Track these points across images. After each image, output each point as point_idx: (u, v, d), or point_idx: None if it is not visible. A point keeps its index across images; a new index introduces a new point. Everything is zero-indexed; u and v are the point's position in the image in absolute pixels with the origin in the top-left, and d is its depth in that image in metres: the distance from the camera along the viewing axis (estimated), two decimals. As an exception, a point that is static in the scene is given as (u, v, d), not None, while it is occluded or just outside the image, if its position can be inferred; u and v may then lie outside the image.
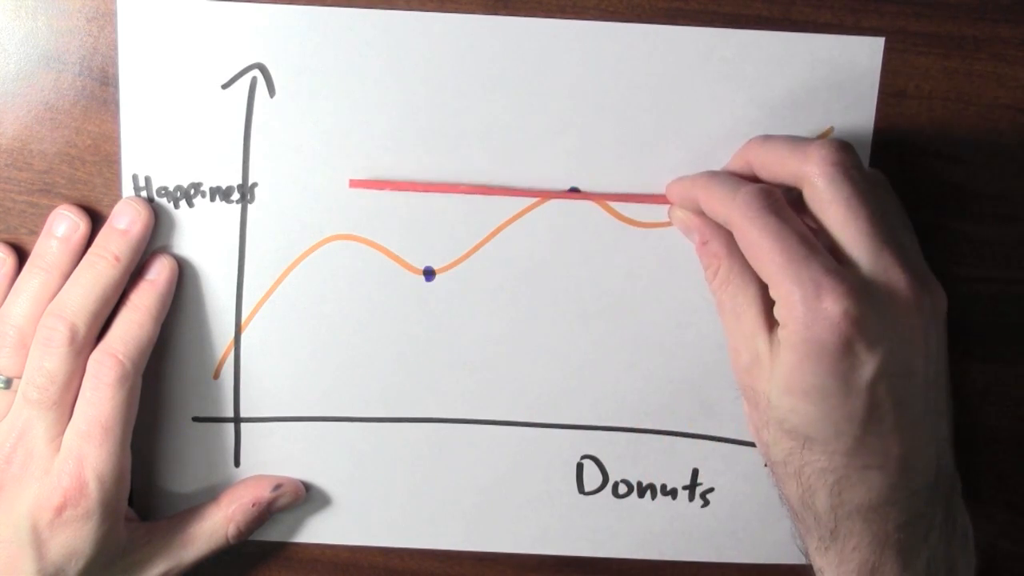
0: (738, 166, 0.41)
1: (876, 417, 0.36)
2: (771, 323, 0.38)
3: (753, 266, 0.38)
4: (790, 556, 0.46)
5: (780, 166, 0.39)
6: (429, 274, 0.44)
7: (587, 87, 0.42)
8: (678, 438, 0.45)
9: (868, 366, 0.36)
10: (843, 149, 0.37)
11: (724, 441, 0.45)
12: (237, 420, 0.45)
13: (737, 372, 0.39)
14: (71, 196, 0.43)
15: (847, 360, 0.35)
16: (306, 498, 0.45)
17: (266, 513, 0.44)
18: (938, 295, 0.38)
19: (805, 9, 0.42)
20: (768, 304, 0.38)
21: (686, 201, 0.42)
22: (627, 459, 0.46)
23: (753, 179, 0.40)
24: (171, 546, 0.43)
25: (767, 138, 0.40)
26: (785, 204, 0.37)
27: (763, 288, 0.38)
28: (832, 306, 0.35)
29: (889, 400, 0.36)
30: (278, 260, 0.43)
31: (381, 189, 0.42)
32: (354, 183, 0.42)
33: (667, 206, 0.43)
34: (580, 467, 0.46)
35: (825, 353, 0.35)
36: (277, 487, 0.44)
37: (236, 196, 0.43)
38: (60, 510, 0.39)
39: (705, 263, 0.41)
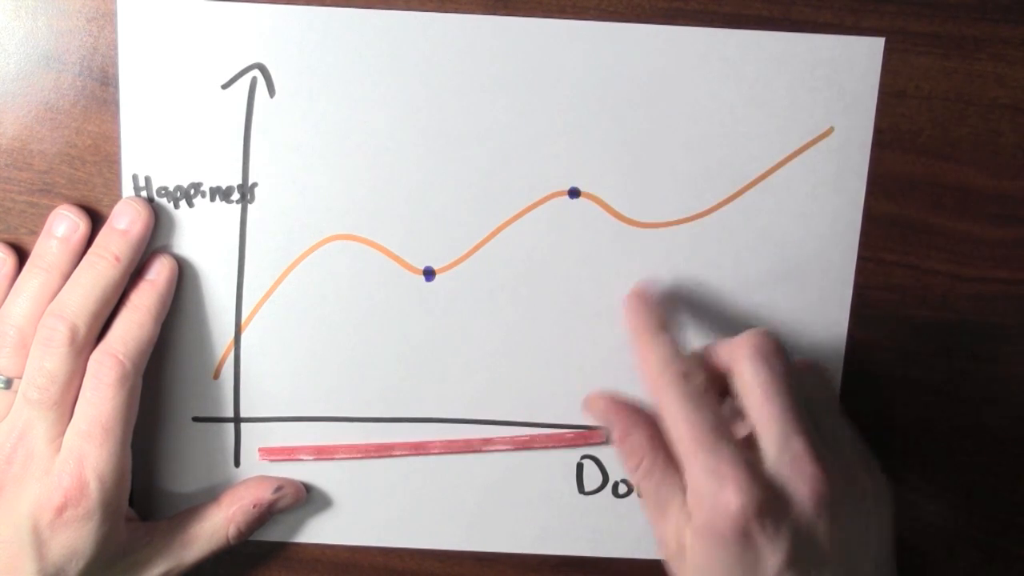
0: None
1: None
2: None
3: (671, 445, 0.38)
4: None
5: (713, 360, 0.40)
6: (429, 274, 0.44)
7: (587, 87, 0.42)
8: (678, 438, 0.45)
9: (773, 558, 0.36)
10: (768, 337, 0.38)
11: (724, 441, 0.45)
12: (237, 420, 0.45)
13: (667, 562, 0.39)
14: (71, 196, 0.43)
15: (750, 552, 0.36)
16: (307, 499, 0.45)
17: (267, 514, 0.44)
18: (866, 482, 0.38)
19: (805, 9, 0.42)
20: None
21: (628, 329, 0.42)
22: (627, 459, 0.46)
23: None
24: (171, 546, 0.43)
25: (705, 345, 0.41)
26: (705, 389, 0.38)
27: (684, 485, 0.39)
28: (732, 498, 0.35)
29: None
30: (278, 260, 0.43)
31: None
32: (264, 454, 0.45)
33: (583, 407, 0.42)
34: (580, 467, 0.46)
35: (728, 545, 0.36)
36: (278, 488, 0.44)
37: (236, 196, 0.43)
38: (61, 510, 0.39)
39: (626, 455, 0.40)
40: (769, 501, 0.36)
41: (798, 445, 0.37)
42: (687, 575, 0.38)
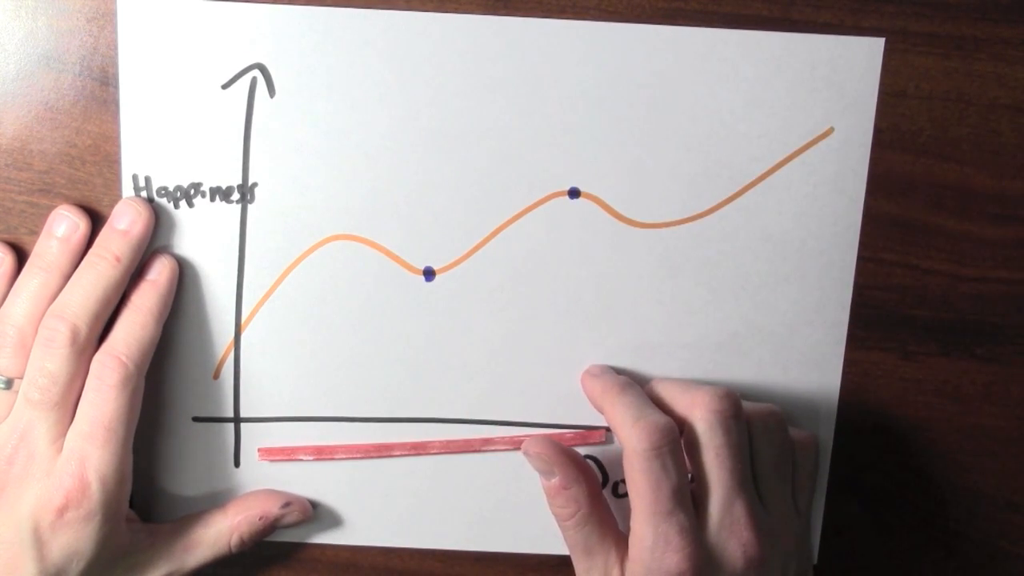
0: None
1: None
2: (622, 557, 0.41)
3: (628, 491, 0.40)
4: (790, 556, 0.46)
5: (671, 405, 0.42)
6: (429, 274, 0.44)
7: (587, 87, 0.42)
8: (678, 438, 0.45)
9: None
10: (726, 398, 0.40)
11: (724, 441, 0.45)
12: (237, 420, 0.45)
13: None
14: (71, 196, 0.43)
15: None
16: (313, 516, 0.45)
17: (271, 528, 0.44)
18: (789, 538, 0.41)
19: (805, 9, 0.42)
20: (622, 542, 0.41)
21: (593, 398, 0.43)
22: (627, 459, 0.46)
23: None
24: (173, 550, 0.43)
25: (665, 380, 0.43)
26: (671, 450, 0.39)
27: (618, 535, 0.41)
28: (672, 565, 0.38)
29: None
30: (278, 260, 0.43)
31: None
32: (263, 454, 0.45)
33: (526, 438, 0.43)
34: (580, 467, 0.46)
35: None
36: (286, 504, 0.44)
37: (236, 196, 0.43)
38: (62, 511, 0.39)
39: (560, 503, 0.41)
40: (706, 565, 0.39)
41: (739, 510, 0.39)
42: None
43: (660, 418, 0.40)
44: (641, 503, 0.39)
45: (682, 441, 0.41)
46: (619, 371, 0.44)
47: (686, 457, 0.40)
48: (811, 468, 0.44)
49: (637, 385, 0.43)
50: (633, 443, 0.39)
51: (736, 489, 0.40)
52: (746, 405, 0.41)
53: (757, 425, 0.41)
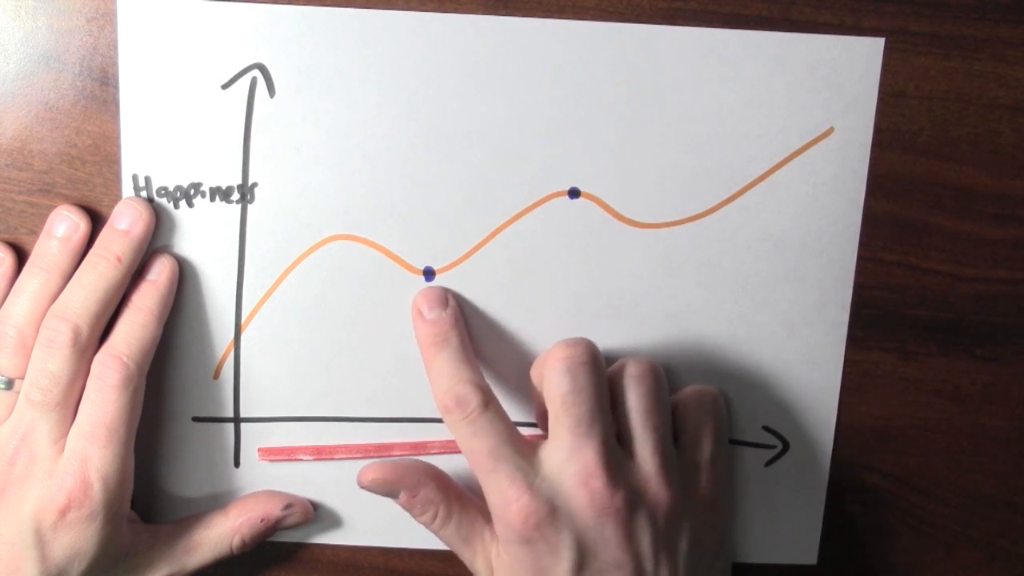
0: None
1: None
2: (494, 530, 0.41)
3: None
4: (790, 556, 0.46)
5: (536, 373, 0.42)
6: (429, 274, 0.44)
7: (587, 87, 0.42)
8: (678, 438, 0.45)
9: (560, 567, 0.39)
10: (575, 346, 0.40)
11: (724, 441, 0.45)
12: (237, 420, 0.45)
13: None
14: (71, 196, 0.43)
15: (541, 562, 0.39)
16: (314, 518, 0.45)
17: (273, 529, 0.44)
18: (661, 496, 0.40)
19: (805, 9, 0.42)
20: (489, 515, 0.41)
21: (420, 346, 0.43)
22: (627, 459, 0.46)
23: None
24: (175, 551, 0.43)
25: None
26: (480, 413, 0.39)
27: (483, 510, 0.41)
28: (513, 516, 0.39)
29: None
30: (278, 260, 0.43)
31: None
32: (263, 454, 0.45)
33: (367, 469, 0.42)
34: (580, 467, 0.46)
35: (521, 556, 0.39)
36: (288, 506, 0.44)
37: (236, 196, 0.43)
38: (64, 511, 0.39)
39: (419, 511, 0.42)
40: (547, 514, 0.38)
41: (586, 457, 0.39)
42: None
43: (465, 388, 0.40)
44: (471, 468, 0.40)
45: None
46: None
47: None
48: (698, 419, 0.43)
49: (462, 337, 0.42)
50: (446, 417, 0.40)
51: (583, 436, 0.39)
52: (618, 362, 0.42)
53: (624, 378, 0.41)
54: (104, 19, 0.41)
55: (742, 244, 0.44)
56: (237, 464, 0.45)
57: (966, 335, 0.45)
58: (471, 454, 0.40)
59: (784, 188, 0.43)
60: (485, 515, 0.41)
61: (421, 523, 0.42)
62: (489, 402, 0.40)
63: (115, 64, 0.42)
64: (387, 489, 0.42)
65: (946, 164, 0.44)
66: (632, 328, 0.44)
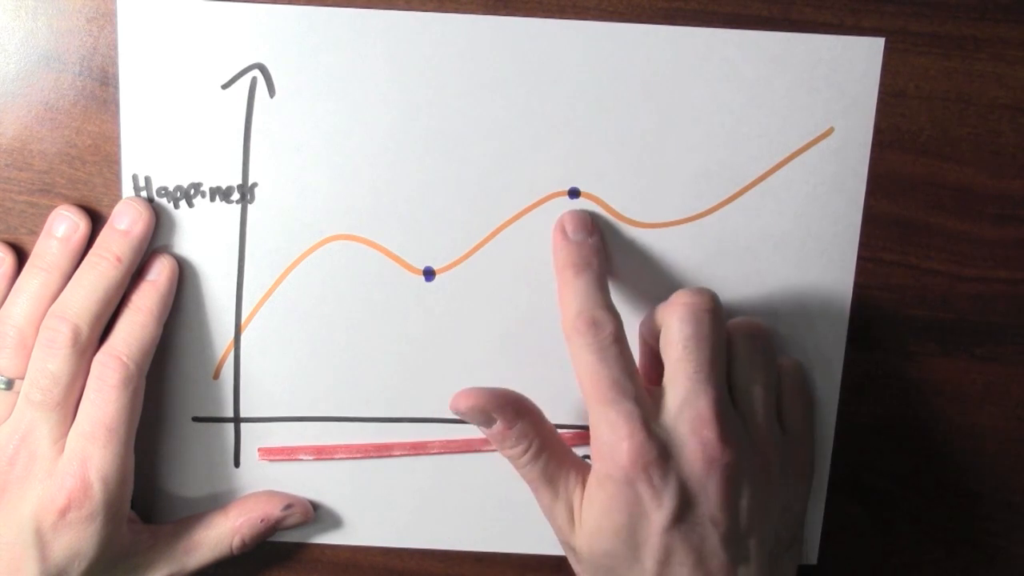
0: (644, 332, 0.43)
1: (669, 563, 0.38)
2: (583, 477, 0.39)
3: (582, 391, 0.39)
4: (790, 556, 0.46)
5: (651, 319, 0.41)
6: (429, 274, 0.44)
7: (587, 87, 0.42)
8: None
9: (658, 513, 0.37)
10: (700, 293, 0.39)
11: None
12: (237, 420, 0.45)
13: (557, 532, 0.41)
14: (71, 196, 0.43)
15: (639, 506, 0.37)
16: (314, 518, 0.45)
17: (273, 530, 0.44)
18: (771, 455, 0.39)
19: (805, 9, 0.42)
20: (581, 465, 0.40)
21: (555, 265, 0.42)
22: (627, 459, 0.46)
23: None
24: (175, 551, 0.43)
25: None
26: (614, 340, 0.38)
27: (576, 460, 0.40)
28: (622, 454, 0.37)
29: (683, 548, 0.37)
30: (278, 260, 0.43)
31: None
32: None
33: (456, 398, 0.40)
34: (580, 467, 0.46)
35: (620, 496, 0.37)
36: (288, 506, 0.44)
37: (236, 196, 0.43)
38: (64, 512, 0.39)
39: (510, 444, 0.39)
40: (658, 460, 0.37)
41: (703, 405, 0.38)
42: (581, 542, 0.39)
43: (601, 314, 0.39)
44: (586, 398, 0.38)
45: (661, 343, 0.40)
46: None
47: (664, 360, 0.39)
48: (800, 390, 0.43)
49: (603, 268, 0.41)
50: (572, 335, 0.39)
51: (702, 383, 0.38)
52: (732, 320, 0.41)
53: (737, 334, 0.40)
54: (104, 19, 0.41)
55: (742, 244, 0.44)
56: (237, 464, 0.45)
57: (966, 335, 0.45)
58: (592, 380, 0.38)
59: (784, 188, 0.43)
60: (573, 458, 0.40)
61: (507, 455, 0.40)
62: (622, 334, 0.39)
63: (115, 64, 0.42)
64: (482, 419, 0.39)
65: (946, 164, 0.43)
66: (632, 328, 0.44)
